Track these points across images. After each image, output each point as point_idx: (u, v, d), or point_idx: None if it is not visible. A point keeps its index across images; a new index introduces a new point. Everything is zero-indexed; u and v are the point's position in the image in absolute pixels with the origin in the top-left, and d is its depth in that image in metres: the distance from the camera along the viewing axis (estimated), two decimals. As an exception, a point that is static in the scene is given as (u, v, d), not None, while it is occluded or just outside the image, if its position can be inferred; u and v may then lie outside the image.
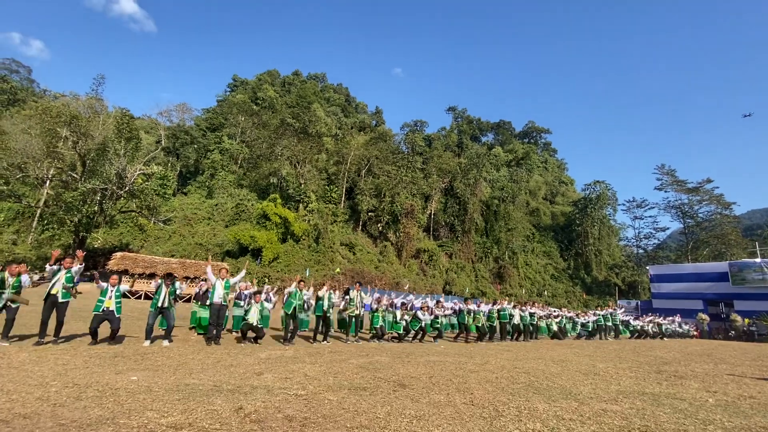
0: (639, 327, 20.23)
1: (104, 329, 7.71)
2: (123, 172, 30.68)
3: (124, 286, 7.89)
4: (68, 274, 7.20)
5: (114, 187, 29.85)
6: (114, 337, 7.49)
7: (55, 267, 7.16)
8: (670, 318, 24.54)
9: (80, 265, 7.59)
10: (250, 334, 9.12)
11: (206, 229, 42.49)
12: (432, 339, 12.48)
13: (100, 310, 7.30)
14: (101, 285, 7.59)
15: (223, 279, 8.65)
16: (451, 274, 49.78)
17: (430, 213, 56.02)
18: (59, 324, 7.22)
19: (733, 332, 26.98)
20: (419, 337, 11.76)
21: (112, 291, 7.51)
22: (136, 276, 25.99)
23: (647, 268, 42.29)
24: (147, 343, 7.64)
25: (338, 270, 39.23)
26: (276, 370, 5.88)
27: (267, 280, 32.59)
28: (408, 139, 68.07)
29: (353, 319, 10.63)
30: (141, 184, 34.61)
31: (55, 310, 7.06)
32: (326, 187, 51.73)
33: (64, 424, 3.08)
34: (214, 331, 8.36)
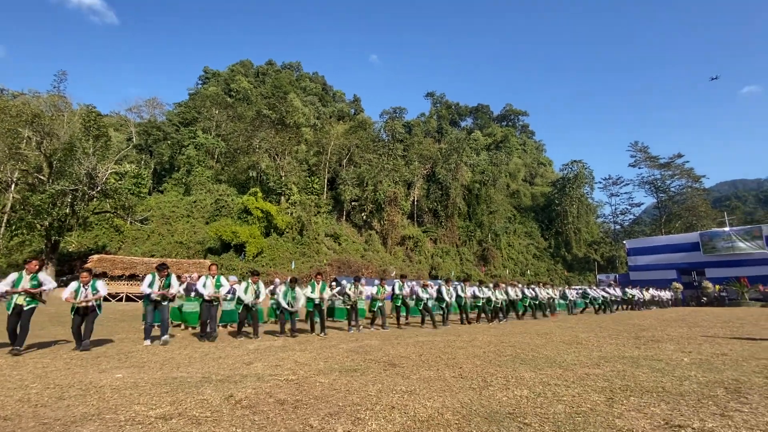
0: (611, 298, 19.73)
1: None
2: (93, 172, 29.46)
3: (104, 289, 7.23)
4: (33, 281, 6.56)
5: (85, 188, 28.66)
6: (88, 336, 6.90)
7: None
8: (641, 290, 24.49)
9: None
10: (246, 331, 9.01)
11: (186, 227, 41.50)
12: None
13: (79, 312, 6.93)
14: (72, 285, 7.06)
15: (213, 276, 8.42)
16: (436, 259, 50.38)
17: (414, 200, 56.24)
18: (23, 331, 6.45)
19: (705, 298, 28.38)
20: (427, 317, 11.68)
21: (86, 290, 6.88)
22: (120, 277, 25.30)
23: (624, 242, 43.81)
24: (147, 342, 7.25)
25: (324, 261, 39.14)
26: (266, 359, 5.85)
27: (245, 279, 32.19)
28: (388, 126, 67.72)
29: (353, 309, 10.52)
30: (114, 183, 33.37)
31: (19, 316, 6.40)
32: (307, 178, 51.10)
33: (47, 423, 3.00)
34: (208, 328, 8.09)
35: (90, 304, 6.88)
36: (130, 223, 38.25)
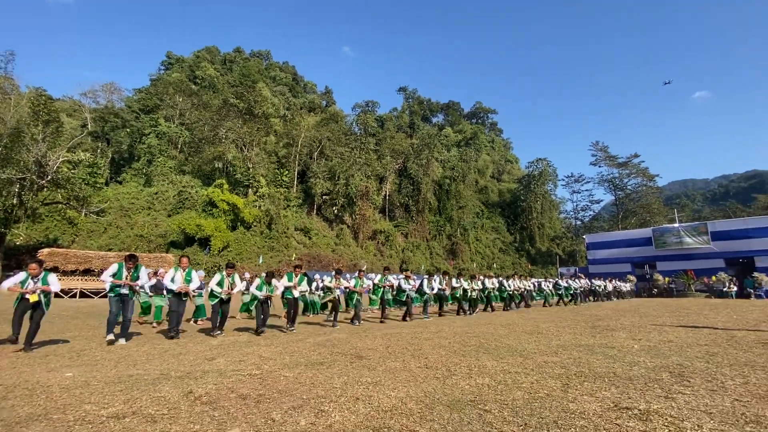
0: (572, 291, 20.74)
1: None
2: (43, 160, 27.45)
3: (56, 285, 6.57)
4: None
5: (34, 177, 26.67)
6: (32, 337, 6.24)
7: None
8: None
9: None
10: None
11: (146, 219, 39.56)
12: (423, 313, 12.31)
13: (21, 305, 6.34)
14: (19, 275, 6.49)
15: (184, 269, 7.84)
16: (407, 253, 50.86)
17: (385, 194, 56.38)
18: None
19: (656, 290, 30.34)
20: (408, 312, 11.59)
21: (34, 283, 6.27)
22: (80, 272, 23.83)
23: (584, 237, 45.93)
24: (111, 336, 6.68)
25: (294, 256, 38.56)
26: (229, 354, 5.70)
27: (218, 270, 31.25)
28: (360, 120, 67.32)
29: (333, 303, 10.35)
30: (66, 172, 31.22)
31: None
32: (277, 170, 49.95)
33: (-17, 427, 2.78)
34: (174, 324, 7.59)
35: (38, 297, 6.25)
36: (85, 215, 36.04)
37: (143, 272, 7.17)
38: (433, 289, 12.21)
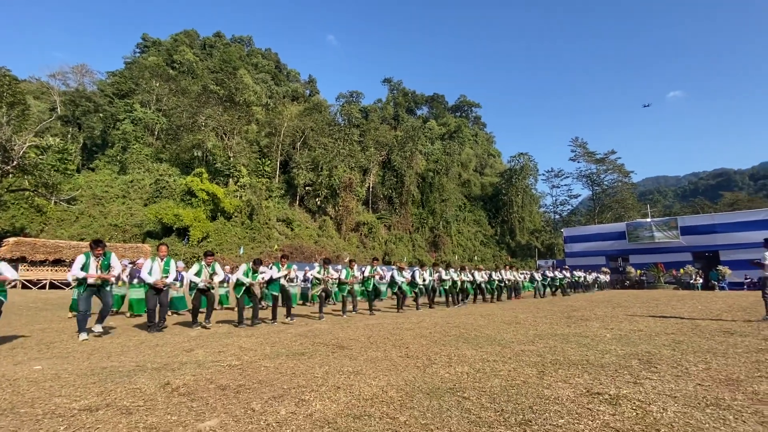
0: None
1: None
2: (8, 144, 26.11)
3: (10, 272, 5.90)
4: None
5: (-2, 162, 25.40)
6: None
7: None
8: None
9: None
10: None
11: (121, 208, 38.26)
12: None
13: None
14: None
15: (162, 258, 7.37)
16: (390, 245, 51.04)
17: (369, 186, 56.21)
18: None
19: (628, 282, 31.53)
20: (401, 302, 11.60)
21: None
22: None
23: (562, 231, 47.15)
24: (84, 336, 6.14)
25: (276, 247, 38.14)
26: (208, 345, 5.62)
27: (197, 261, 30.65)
28: (344, 110, 66.64)
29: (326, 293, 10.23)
30: (34, 158, 29.78)
31: None
32: (258, 160, 48.98)
33: (-55, 422, 2.66)
34: (156, 318, 7.25)
35: None
36: (55, 203, 34.59)
37: (114, 259, 6.62)
38: (425, 281, 12.31)
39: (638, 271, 32.06)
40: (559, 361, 4.32)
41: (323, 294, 9.86)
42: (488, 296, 15.29)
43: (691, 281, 27.30)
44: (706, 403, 2.89)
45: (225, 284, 11.92)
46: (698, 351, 4.75)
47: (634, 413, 2.71)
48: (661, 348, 5.00)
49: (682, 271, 29.15)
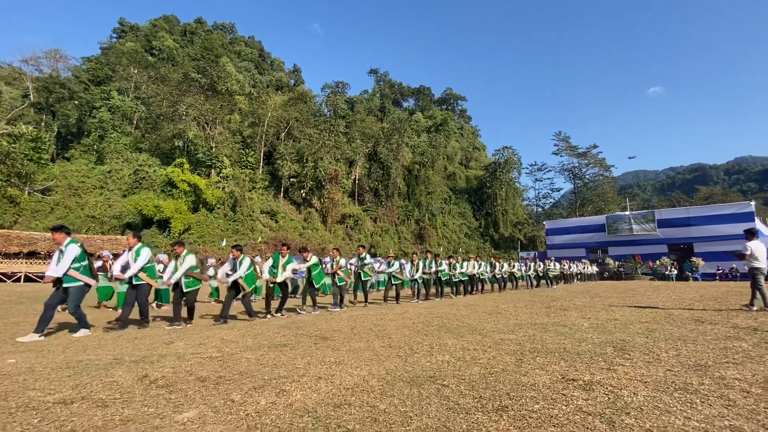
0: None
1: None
2: (-24, 132, 24.94)
3: None
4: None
5: (-35, 150, 24.25)
6: None
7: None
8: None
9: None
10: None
11: (99, 199, 37.16)
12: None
13: None
14: None
15: (131, 248, 6.98)
16: (375, 237, 51.07)
17: (355, 178, 55.94)
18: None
19: (607, 273, 32.41)
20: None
21: None
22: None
23: (544, 223, 47.99)
24: (37, 336, 5.62)
25: (260, 239, 37.71)
26: (188, 338, 5.55)
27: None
28: (330, 101, 65.79)
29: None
30: (6, 146, 28.58)
31: None
32: (242, 150, 48.09)
33: None
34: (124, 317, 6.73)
35: None
36: (29, 193, 33.35)
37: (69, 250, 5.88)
38: (418, 272, 12.26)
39: (616, 263, 32.96)
40: (537, 349, 4.42)
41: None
42: (495, 286, 15.97)
43: (667, 272, 28.26)
44: (675, 387, 3.01)
45: (214, 278, 11.79)
46: (670, 338, 4.94)
47: (606, 398, 2.80)
48: (635, 336, 5.17)
49: (658, 262, 30.12)
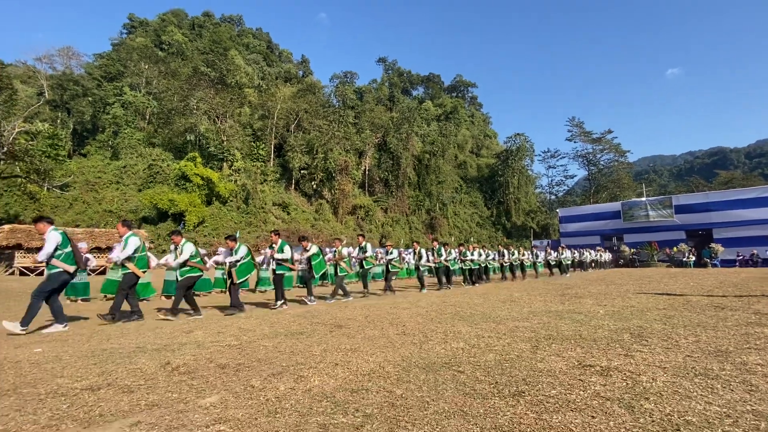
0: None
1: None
2: (-3, 130, 25.62)
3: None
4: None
5: (-13, 148, 24.95)
6: None
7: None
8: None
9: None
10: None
11: (115, 194, 37.98)
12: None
13: None
14: None
15: (121, 237, 6.91)
16: (386, 227, 51.18)
17: (365, 169, 55.89)
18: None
19: (622, 260, 31.91)
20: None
21: None
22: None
23: (557, 211, 47.35)
24: (61, 327, 5.82)
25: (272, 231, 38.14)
26: (207, 327, 5.68)
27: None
28: (338, 91, 65.50)
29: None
30: (24, 144, 29.29)
31: None
32: (252, 143, 48.40)
33: (-53, 403, 2.69)
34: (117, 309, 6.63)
35: None
36: (48, 189, 34.22)
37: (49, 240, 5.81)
38: (428, 261, 12.30)
39: (631, 250, 32.40)
40: (552, 336, 4.40)
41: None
42: (508, 275, 16.11)
43: (684, 259, 27.69)
44: (695, 373, 2.97)
45: (221, 266, 11.91)
46: (688, 325, 4.86)
47: (625, 383, 2.78)
48: (653, 322, 5.10)
49: (675, 249, 29.50)
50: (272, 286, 12.97)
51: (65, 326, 5.83)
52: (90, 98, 47.83)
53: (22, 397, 2.78)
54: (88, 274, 10.89)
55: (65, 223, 31.67)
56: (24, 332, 5.48)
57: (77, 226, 30.54)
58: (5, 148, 26.41)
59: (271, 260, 8.75)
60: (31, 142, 31.18)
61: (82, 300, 10.14)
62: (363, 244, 10.98)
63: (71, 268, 5.86)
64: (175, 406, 2.58)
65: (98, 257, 22.07)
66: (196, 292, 10.50)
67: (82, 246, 10.48)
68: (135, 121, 47.20)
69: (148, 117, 49.39)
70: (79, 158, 43.22)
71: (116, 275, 9.56)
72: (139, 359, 3.76)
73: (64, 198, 35.08)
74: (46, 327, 5.89)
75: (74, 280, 9.91)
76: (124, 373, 3.30)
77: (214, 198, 39.03)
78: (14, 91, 31.95)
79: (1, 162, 27.92)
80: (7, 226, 24.34)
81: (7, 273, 22.38)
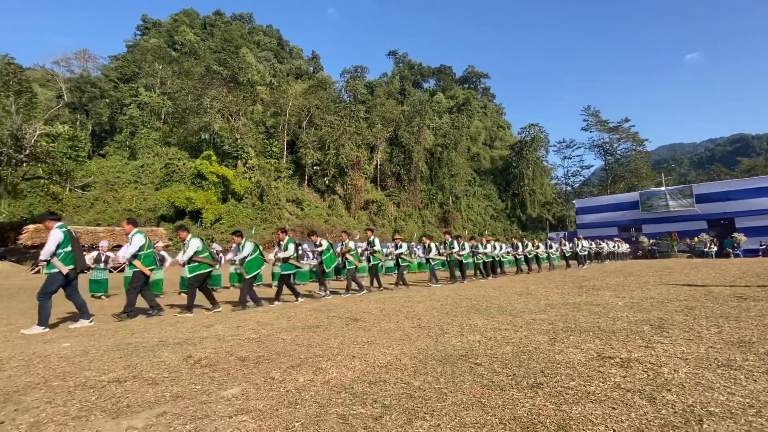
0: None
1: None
2: (19, 133, 26.41)
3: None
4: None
5: (11, 151, 25.73)
6: None
7: None
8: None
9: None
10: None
11: (134, 193, 38.89)
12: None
13: None
14: None
15: (127, 235, 6.91)
16: (399, 222, 51.14)
17: (377, 164, 55.81)
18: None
19: (641, 252, 31.20)
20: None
21: None
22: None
23: (573, 202, 46.51)
24: (87, 322, 5.94)
25: (287, 227, 38.53)
26: (226, 321, 5.81)
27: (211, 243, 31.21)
28: (349, 86, 65.33)
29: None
30: (46, 146, 30.19)
31: None
32: (265, 141, 48.82)
33: (-14, 394, 2.83)
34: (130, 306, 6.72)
35: None
36: (70, 190, 35.18)
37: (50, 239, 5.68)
38: (430, 253, 12.20)
39: (650, 241, 31.64)
40: (570, 328, 4.36)
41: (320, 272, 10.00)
42: (524, 267, 16.15)
43: (706, 249, 26.91)
44: (718, 364, 2.91)
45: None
46: (711, 316, 4.74)
47: (645, 375, 2.74)
48: (673, 314, 5.00)
49: (696, 239, 28.70)
50: (304, 281, 13.27)
51: (91, 321, 6.02)
52: (107, 100, 48.91)
53: (52, 389, 2.91)
54: (110, 272, 11.20)
55: (87, 222, 32.61)
56: (46, 330, 5.55)
57: (98, 225, 31.44)
58: (28, 151, 27.25)
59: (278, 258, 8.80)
60: (52, 144, 32.12)
61: (105, 296, 10.44)
62: (371, 238, 10.80)
63: (65, 269, 5.60)
64: (199, 397, 2.66)
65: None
66: (214, 288, 10.73)
67: (103, 244, 10.78)
68: (151, 121, 48.11)
69: (163, 117, 50.27)
70: (99, 159, 44.34)
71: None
72: (163, 353, 3.88)
73: (85, 198, 36.09)
74: (72, 322, 6.10)
75: (93, 277, 10.23)
76: (149, 366, 3.41)
77: (229, 195, 39.60)
78: (34, 95, 32.89)
79: (24, 164, 28.82)
80: (31, 226, 25.22)
81: (33, 272, 23.21)
